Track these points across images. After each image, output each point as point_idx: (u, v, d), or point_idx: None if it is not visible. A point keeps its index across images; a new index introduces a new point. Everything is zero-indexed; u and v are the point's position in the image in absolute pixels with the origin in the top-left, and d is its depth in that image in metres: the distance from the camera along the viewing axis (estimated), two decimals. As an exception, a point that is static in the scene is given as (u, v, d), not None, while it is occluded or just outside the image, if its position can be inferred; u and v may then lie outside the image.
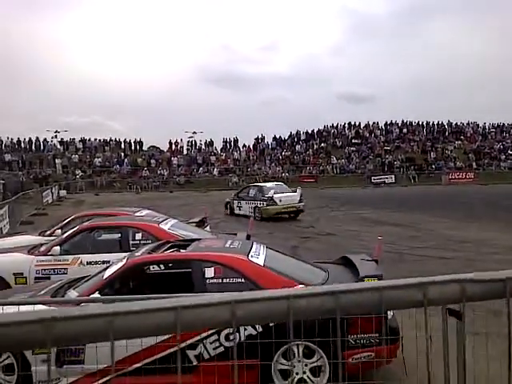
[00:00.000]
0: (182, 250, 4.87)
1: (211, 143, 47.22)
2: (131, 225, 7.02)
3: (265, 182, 25.33)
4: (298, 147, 47.24)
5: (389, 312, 3.94)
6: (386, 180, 40.52)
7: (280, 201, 16.72)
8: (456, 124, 51.04)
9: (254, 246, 4.93)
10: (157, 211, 10.74)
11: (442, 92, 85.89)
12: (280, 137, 48.71)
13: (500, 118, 52.87)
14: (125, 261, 4.54)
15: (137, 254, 4.86)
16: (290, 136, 49.07)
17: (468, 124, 51.32)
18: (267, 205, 16.70)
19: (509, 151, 46.51)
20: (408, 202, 22.90)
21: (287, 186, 19.79)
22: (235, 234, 7.87)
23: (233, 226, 14.04)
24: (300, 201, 17.32)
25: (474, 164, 44.25)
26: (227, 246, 4.92)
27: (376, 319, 3.80)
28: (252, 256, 4.49)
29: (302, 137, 48.90)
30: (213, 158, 44.65)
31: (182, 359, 3.81)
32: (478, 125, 51.49)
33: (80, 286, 4.62)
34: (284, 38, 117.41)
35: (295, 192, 17.51)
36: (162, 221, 7.32)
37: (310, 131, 49.37)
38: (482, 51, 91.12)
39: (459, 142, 48.31)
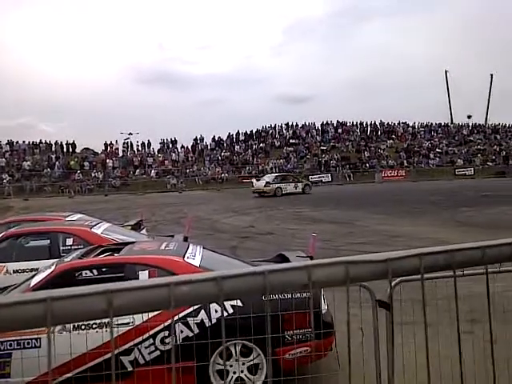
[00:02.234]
0: (115, 254, 4.72)
1: (148, 144, 46.26)
2: (61, 230, 6.70)
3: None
4: (237, 147, 47.38)
5: (323, 306, 4.02)
6: (323, 179, 41.51)
7: None
8: (388, 124, 53.33)
9: (191, 248, 4.87)
10: (91, 215, 10.37)
11: (375, 92, 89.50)
12: (219, 137, 48.60)
13: (428, 117, 55.90)
14: (53, 267, 4.33)
15: (66, 259, 4.65)
16: (228, 136, 49.10)
17: (399, 124, 53.76)
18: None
19: (437, 149, 49.22)
20: (344, 200, 23.56)
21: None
22: (172, 236, 7.74)
23: (171, 228, 13.80)
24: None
25: (405, 162, 46.41)
26: (162, 248, 4.83)
27: (310, 314, 3.86)
28: (188, 257, 4.42)
29: (241, 137, 49.09)
30: (150, 160, 43.76)
31: (116, 366, 3.68)
32: (408, 124, 54.07)
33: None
34: (221, 38, 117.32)
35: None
36: (95, 225, 7.05)
37: (248, 132, 49.68)
38: (413, 53, 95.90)
39: (391, 141, 50.50)
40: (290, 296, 3.90)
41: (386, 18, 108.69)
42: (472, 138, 52.99)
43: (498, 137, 53.97)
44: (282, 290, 0.98)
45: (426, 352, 1.20)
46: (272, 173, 37.02)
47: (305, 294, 3.96)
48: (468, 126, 55.78)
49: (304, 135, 49.92)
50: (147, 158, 43.90)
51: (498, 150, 50.13)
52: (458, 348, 1.31)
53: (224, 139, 48.82)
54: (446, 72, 58.39)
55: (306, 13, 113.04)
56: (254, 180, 31.35)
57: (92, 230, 6.68)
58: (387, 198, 24.19)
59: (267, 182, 29.29)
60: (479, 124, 56.71)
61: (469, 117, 57.56)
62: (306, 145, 48.26)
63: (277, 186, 29.13)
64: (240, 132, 49.33)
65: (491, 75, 58.83)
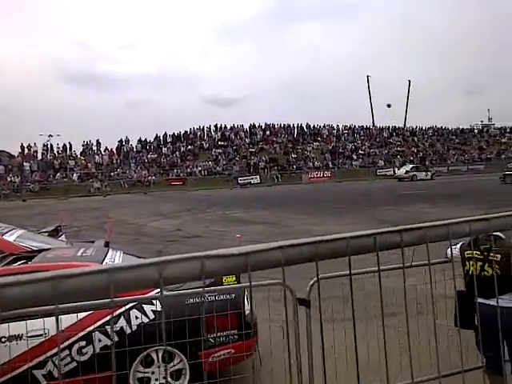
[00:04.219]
0: (29, 263, 4.44)
1: (70, 147, 44.18)
2: (-33, 238, 6.18)
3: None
4: (164, 150, 46.58)
5: (246, 307, 4.01)
6: (252, 180, 41.91)
7: None
8: (314, 126, 54.88)
9: (110, 253, 4.72)
10: (7, 222, 9.69)
11: (301, 95, 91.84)
12: (146, 139, 47.49)
13: (352, 120, 58.30)
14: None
15: (-28, 269, 4.29)
16: (156, 138, 48.12)
17: (324, 126, 55.51)
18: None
19: (359, 151, 51.38)
20: (273, 201, 23.88)
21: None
22: (92, 242, 7.42)
23: (93, 233, 13.25)
24: None
25: (330, 163, 47.99)
26: (79, 254, 4.62)
27: (233, 316, 3.85)
28: (107, 263, 4.27)
29: (169, 139, 48.34)
30: (72, 163, 41.80)
31: (28, 380, 3.46)
32: (332, 127, 55.99)
33: None
34: (147, 38, 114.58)
35: None
36: (7, 232, 6.57)
37: (176, 133, 49.01)
38: (339, 57, 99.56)
39: (317, 143, 52.04)
40: (212, 298, 3.87)
41: (312, 21, 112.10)
42: (392, 140, 55.92)
43: (416, 139, 57.37)
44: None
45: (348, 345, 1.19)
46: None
47: (228, 296, 3.94)
48: (388, 128, 58.74)
49: (233, 137, 50.12)
50: (69, 161, 41.91)
51: (415, 151, 53.30)
52: (383, 338, 1.39)
53: (151, 141, 47.81)
54: (367, 77, 61.23)
55: (234, 14, 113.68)
56: (396, 169, 43.05)
57: (3, 237, 6.22)
58: (314, 198, 24.86)
59: (406, 171, 39.72)
60: (398, 127, 59.93)
61: (388, 106, 61.24)
62: (235, 147, 48.48)
63: (413, 173, 39.03)
64: (167, 134, 48.59)
65: (409, 81, 62.50)
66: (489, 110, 65.76)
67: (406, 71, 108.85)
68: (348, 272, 1.17)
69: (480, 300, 2.67)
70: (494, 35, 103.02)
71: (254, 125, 52.23)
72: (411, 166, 42.06)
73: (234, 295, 3.97)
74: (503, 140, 60.02)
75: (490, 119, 65.33)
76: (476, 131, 62.73)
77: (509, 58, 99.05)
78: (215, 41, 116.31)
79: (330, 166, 47.59)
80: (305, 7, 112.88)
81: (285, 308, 1.52)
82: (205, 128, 50.79)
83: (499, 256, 3.01)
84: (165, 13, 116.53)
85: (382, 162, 49.37)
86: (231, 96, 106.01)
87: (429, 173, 40.17)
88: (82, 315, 3.60)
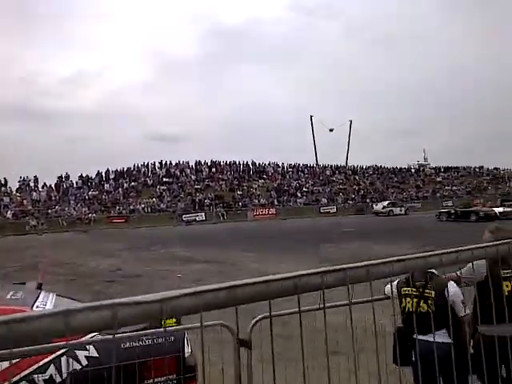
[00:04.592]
0: None
1: (5, 183, 42.06)
2: None
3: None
4: (106, 186, 45.40)
5: (186, 350, 3.83)
6: (197, 218, 41.48)
7: None
8: (259, 164, 55.66)
9: (42, 296, 4.40)
10: None
11: (247, 133, 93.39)
12: (87, 175, 46.20)
13: (296, 158, 59.77)
14: None
15: None
16: (97, 174, 46.90)
17: (269, 164, 56.45)
18: None
19: (304, 188, 52.42)
20: (217, 239, 23.66)
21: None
22: (24, 284, 6.93)
23: (26, 274, 12.46)
24: None
25: (275, 201, 48.52)
26: (8, 297, 4.26)
27: (172, 359, 3.66)
28: (38, 306, 3.98)
29: (111, 175, 47.24)
30: (6, 199, 39.74)
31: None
32: (277, 165, 57.04)
33: None
34: (90, 73, 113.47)
35: None
36: None
37: (119, 170, 48.04)
38: (284, 97, 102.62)
39: (262, 180, 52.65)
40: (150, 342, 3.66)
41: (258, 62, 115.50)
42: (334, 178, 57.60)
43: (357, 177, 59.41)
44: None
45: None
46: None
47: (167, 339, 3.75)
48: (331, 166, 60.57)
49: (178, 174, 49.76)
50: (3, 198, 39.82)
51: (357, 189, 55.07)
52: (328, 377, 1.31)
53: (92, 177, 46.53)
54: (311, 117, 63.39)
55: (179, 52, 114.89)
56: (374, 205, 46.42)
57: None
58: (259, 235, 24.85)
59: (384, 206, 43.59)
60: (340, 165, 61.99)
61: (331, 130, 63.29)
62: (180, 184, 48.08)
63: (389, 209, 42.83)
64: (110, 170, 47.54)
65: (350, 121, 65.21)
66: (424, 150, 69.47)
67: (348, 111, 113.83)
68: (290, 311, 1.10)
69: (417, 336, 2.72)
70: (429, 80, 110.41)
71: (200, 162, 52.29)
72: (387, 202, 46.34)
73: (173, 338, 3.79)
74: (438, 179, 63.35)
75: (425, 159, 68.92)
76: (413, 170, 65.90)
77: (442, 102, 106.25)
78: (159, 77, 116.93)
79: (275, 203, 48.11)
80: (251, 48, 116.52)
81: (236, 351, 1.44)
82: (149, 164, 50.25)
83: (433, 292, 3.08)
84: (106, 47, 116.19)
85: (324, 200, 50.53)
86: (176, 133, 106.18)
87: (403, 208, 44.34)
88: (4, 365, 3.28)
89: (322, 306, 1.39)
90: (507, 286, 3.12)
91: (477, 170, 68.53)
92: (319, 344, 2.92)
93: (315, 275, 1.14)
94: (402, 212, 43.23)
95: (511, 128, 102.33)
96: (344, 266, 1.18)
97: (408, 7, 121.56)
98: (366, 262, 1.22)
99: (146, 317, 0.97)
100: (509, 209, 32.11)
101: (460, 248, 1.53)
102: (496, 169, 69.35)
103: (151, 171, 49.90)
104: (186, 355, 3.83)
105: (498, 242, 1.74)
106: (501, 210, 31.86)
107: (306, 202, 49.59)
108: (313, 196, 51.21)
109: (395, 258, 1.27)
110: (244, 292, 1.06)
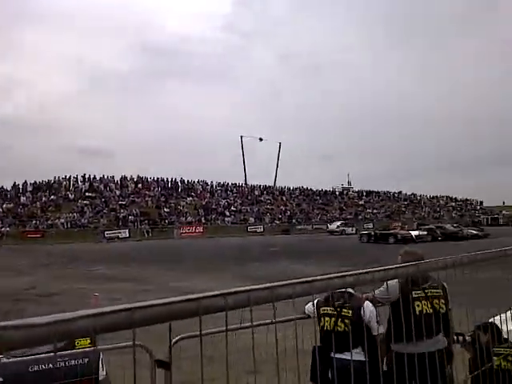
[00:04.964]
0: None
1: None
2: None
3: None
4: (23, 199, 42.71)
5: (100, 372, 3.58)
6: (120, 234, 40.03)
7: None
8: (188, 181, 55.07)
9: None
10: None
11: (176, 150, 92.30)
12: (2, 187, 43.22)
13: (225, 177, 59.83)
14: None
15: None
16: (13, 186, 44.04)
17: (198, 182, 56.04)
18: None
19: (232, 207, 52.49)
20: (141, 257, 22.94)
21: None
22: None
23: None
24: None
25: (203, 219, 48.09)
26: None
27: (86, 382, 3.42)
28: None
29: (29, 188, 44.55)
30: None
31: None
32: (206, 183, 56.77)
33: None
34: (14, 82, 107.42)
35: None
36: None
37: (38, 182, 45.43)
38: (214, 116, 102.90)
39: (190, 198, 52.07)
40: (62, 364, 3.38)
41: (190, 79, 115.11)
42: (262, 198, 58.28)
43: (284, 198, 60.53)
44: None
45: None
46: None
47: (81, 361, 3.49)
48: (259, 187, 61.31)
49: (102, 188, 47.95)
50: None
51: (284, 209, 56.04)
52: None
53: (8, 189, 43.62)
54: (241, 137, 63.95)
55: (106, 64, 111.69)
56: (329, 224, 49.36)
57: None
58: (184, 254, 24.41)
59: (337, 226, 46.36)
60: (269, 186, 62.92)
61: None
62: (104, 199, 46.30)
63: (342, 228, 45.41)
64: (28, 182, 44.82)
65: (279, 143, 66.64)
66: (348, 174, 72.53)
67: (278, 134, 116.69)
68: (213, 330, 1.06)
69: (334, 354, 2.78)
70: (356, 107, 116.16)
71: (126, 177, 50.83)
72: (340, 222, 49.18)
73: (87, 359, 3.54)
74: (360, 202, 66.17)
75: (349, 183, 72.04)
76: (337, 193, 68.39)
77: (367, 129, 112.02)
78: (84, 89, 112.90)
79: (203, 221, 47.69)
80: (182, 65, 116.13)
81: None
82: (71, 177, 48.00)
83: (351, 312, 3.13)
84: (30, 57, 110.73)
85: (252, 219, 50.88)
86: (102, 147, 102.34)
87: (354, 228, 46.09)
88: None
89: (243, 325, 1.35)
90: (418, 305, 3.24)
91: (396, 194, 72.48)
92: (239, 364, 2.83)
93: (219, 297, 1.13)
94: (353, 231, 44.37)
95: (429, 156, 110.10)
96: (247, 287, 1.18)
97: (336, 38, 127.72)
98: (268, 284, 1.24)
99: (33, 342, 0.86)
100: (424, 232, 34.07)
101: (375, 269, 1.62)
102: (413, 194, 73.81)
103: (73, 185, 47.71)
104: (101, 378, 3.60)
105: (407, 264, 1.86)
106: (417, 233, 33.75)
107: (233, 220, 49.64)
108: (241, 215, 51.41)
109: (298, 280, 1.29)
110: (145, 314, 1.00)
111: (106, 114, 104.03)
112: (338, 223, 48.07)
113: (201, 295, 1.09)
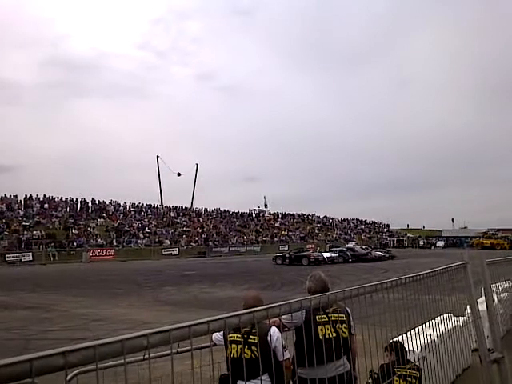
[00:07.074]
0: None
1: None
2: None
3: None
4: None
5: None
6: (23, 258, 37.07)
7: None
8: (99, 202, 52.69)
9: None
10: None
11: (86, 169, 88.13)
12: None
13: (139, 198, 58.04)
14: None
15: None
16: None
17: (110, 203, 53.81)
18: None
19: (146, 229, 50.93)
20: (45, 282, 21.41)
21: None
22: None
23: None
24: None
25: (114, 241, 46.08)
26: None
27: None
28: None
29: None
30: None
31: None
32: (119, 204, 54.67)
33: None
34: None
35: None
36: None
37: None
38: (128, 135, 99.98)
39: (101, 219, 49.78)
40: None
41: (102, 99, 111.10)
42: (179, 220, 57.30)
43: (201, 219, 59.98)
44: None
45: None
46: None
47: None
48: (176, 208, 60.28)
49: (4, 209, 44.42)
50: None
51: (200, 231, 55.44)
52: None
53: None
54: (157, 157, 62.67)
55: (12, 78, 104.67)
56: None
57: None
58: (93, 279, 23.14)
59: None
60: (185, 207, 62.10)
61: (178, 174, 63.40)
62: (5, 219, 42.83)
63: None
64: None
65: (197, 164, 66.23)
66: (265, 197, 73.71)
67: (194, 155, 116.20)
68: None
69: (240, 382, 2.74)
70: (274, 131, 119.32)
71: (31, 196, 47.58)
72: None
73: None
74: (276, 224, 67.37)
75: (265, 205, 73.17)
76: (254, 215, 69.15)
77: (284, 153, 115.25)
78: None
79: (115, 243, 45.71)
80: (96, 82, 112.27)
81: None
82: (-33, 196, 44.05)
83: (257, 338, 3.07)
84: None
85: (167, 242, 49.72)
86: (6, 164, 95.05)
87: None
88: None
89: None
90: (321, 330, 3.26)
91: (310, 217, 74.82)
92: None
93: (56, 356, 1.04)
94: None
95: (342, 178, 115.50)
96: (93, 342, 1.11)
97: (254, 61, 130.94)
98: (120, 337, 1.17)
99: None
100: (335, 254, 35.56)
101: (281, 303, 1.77)
102: (326, 217, 76.69)
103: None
104: None
105: (311, 296, 2.05)
106: (328, 255, 35.13)
107: (147, 243, 48.09)
108: (155, 237, 50.00)
109: (153, 331, 1.25)
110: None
111: (12, 129, 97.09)
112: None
113: (34, 355, 1.00)
